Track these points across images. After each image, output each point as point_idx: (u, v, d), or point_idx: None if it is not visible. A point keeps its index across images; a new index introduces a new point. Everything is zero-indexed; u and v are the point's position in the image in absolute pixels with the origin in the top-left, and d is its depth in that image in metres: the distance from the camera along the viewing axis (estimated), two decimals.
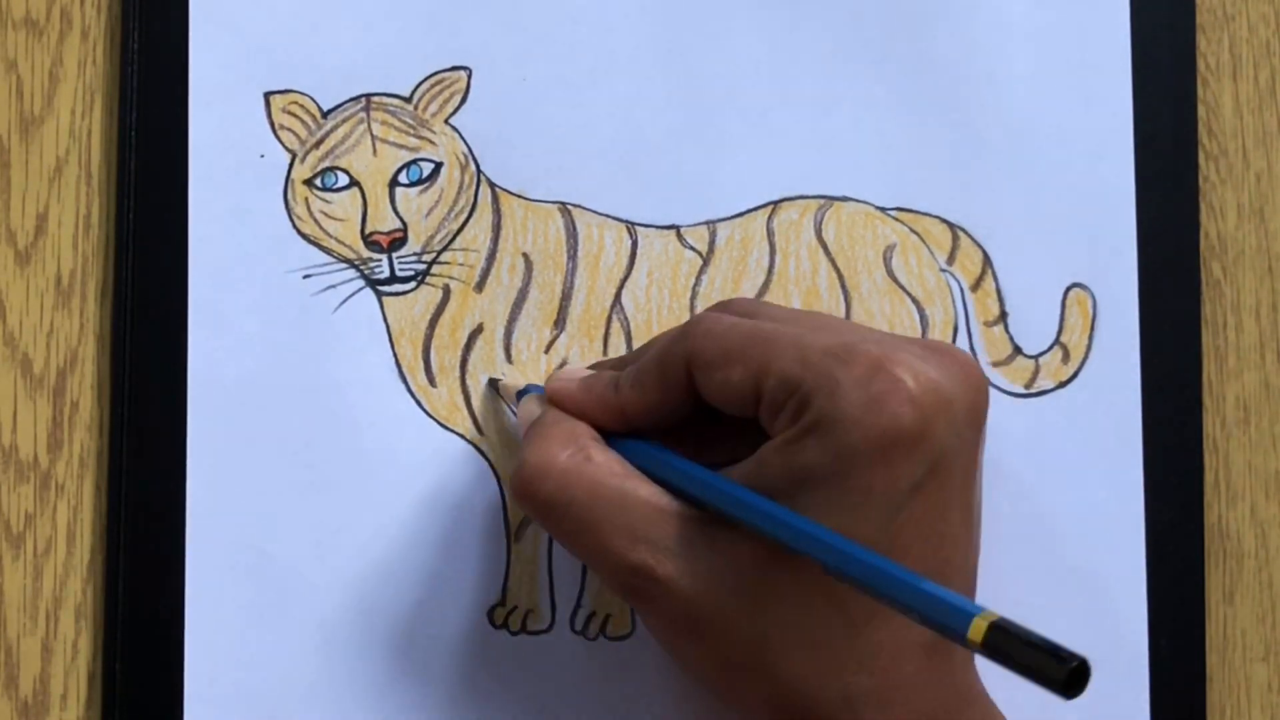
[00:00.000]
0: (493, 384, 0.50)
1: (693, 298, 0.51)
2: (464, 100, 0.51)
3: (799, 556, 0.40)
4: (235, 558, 0.50)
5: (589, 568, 0.47)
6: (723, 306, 0.47)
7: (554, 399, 0.47)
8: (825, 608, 0.41)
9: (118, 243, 0.51)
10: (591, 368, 0.49)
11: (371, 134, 0.51)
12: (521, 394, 0.48)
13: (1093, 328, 0.51)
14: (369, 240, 0.50)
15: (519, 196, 0.51)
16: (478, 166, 0.51)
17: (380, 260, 0.50)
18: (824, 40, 0.52)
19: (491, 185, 0.51)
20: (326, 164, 0.51)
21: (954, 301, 0.51)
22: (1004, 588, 0.50)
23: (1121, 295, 0.51)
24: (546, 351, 0.51)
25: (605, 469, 0.44)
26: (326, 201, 0.50)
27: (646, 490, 0.43)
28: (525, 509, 0.45)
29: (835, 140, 0.51)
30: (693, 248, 0.51)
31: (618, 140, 0.51)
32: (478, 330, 0.51)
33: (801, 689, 0.41)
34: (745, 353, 0.42)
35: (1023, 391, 0.51)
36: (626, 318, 0.51)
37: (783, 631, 0.41)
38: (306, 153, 0.51)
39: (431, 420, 0.50)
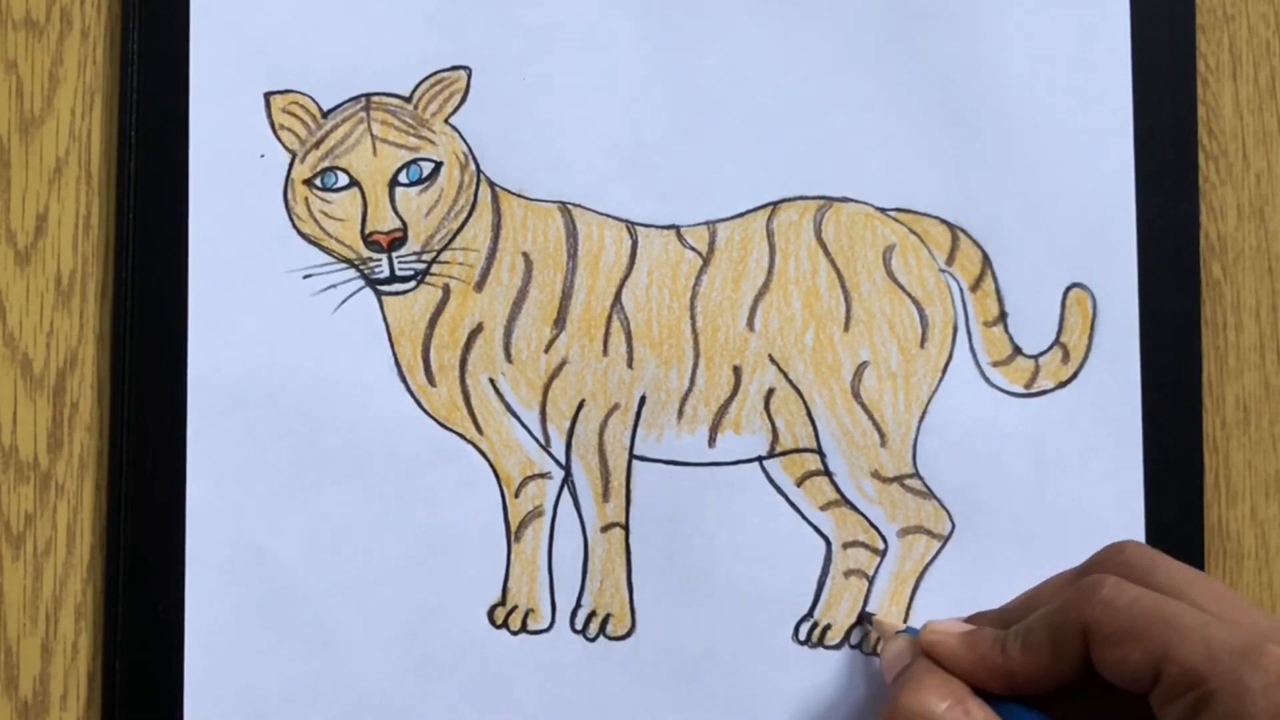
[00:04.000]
0: (866, 618, 0.50)
1: (693, 297, 0.51)
2: (464, 100, 0.51)
3: None
4: (235, 557, 0.50)
5: None
6: (1117, 557, 0.45)
7: (930, 651, 0.45)
8: None
9: (118, 243, 0.51)
10: (969, 620, 0.48)
11: (371, 134, 0.51)
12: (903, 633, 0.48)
13: (1093, 328, 0.51)
14: (369, 240, 0.50)
15: (519, 196, 0.51)
16: (478, 166, 0.51)
17: (380, 260, 0.50)
18: (824, 40, 0.52)
19: (491, 185, 0.51)
20: (326, 164, 0.51)
21: (954, 301, 0.51)
22: (1004, 588, 0.50)
23: (1121, 295, 0.51)
24: (546, 351, 0.51)
25: None
26: (326, 201, 0.50)
27: None
28: None
29: (835, 140, 0.51)
30: (693, 248, 0.51)
31: (618, 140, 0.51)
32: (477, 329, 0.51)
33: None
34: (1147, 633, 0.41)
35: (1022, 391, 0.51)
36: (626, 317, 0.51)
37: None
38: (306, 153, 0.51)
39: (431, 420, 0.50)
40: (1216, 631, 0.40)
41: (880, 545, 0.50)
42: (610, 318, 0.51)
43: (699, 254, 0.51)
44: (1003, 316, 0.51)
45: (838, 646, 0.50)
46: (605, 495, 0.50)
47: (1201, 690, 0.39)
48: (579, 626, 0.50)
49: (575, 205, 0.51)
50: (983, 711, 0.43)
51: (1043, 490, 0.50)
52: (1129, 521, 0.50)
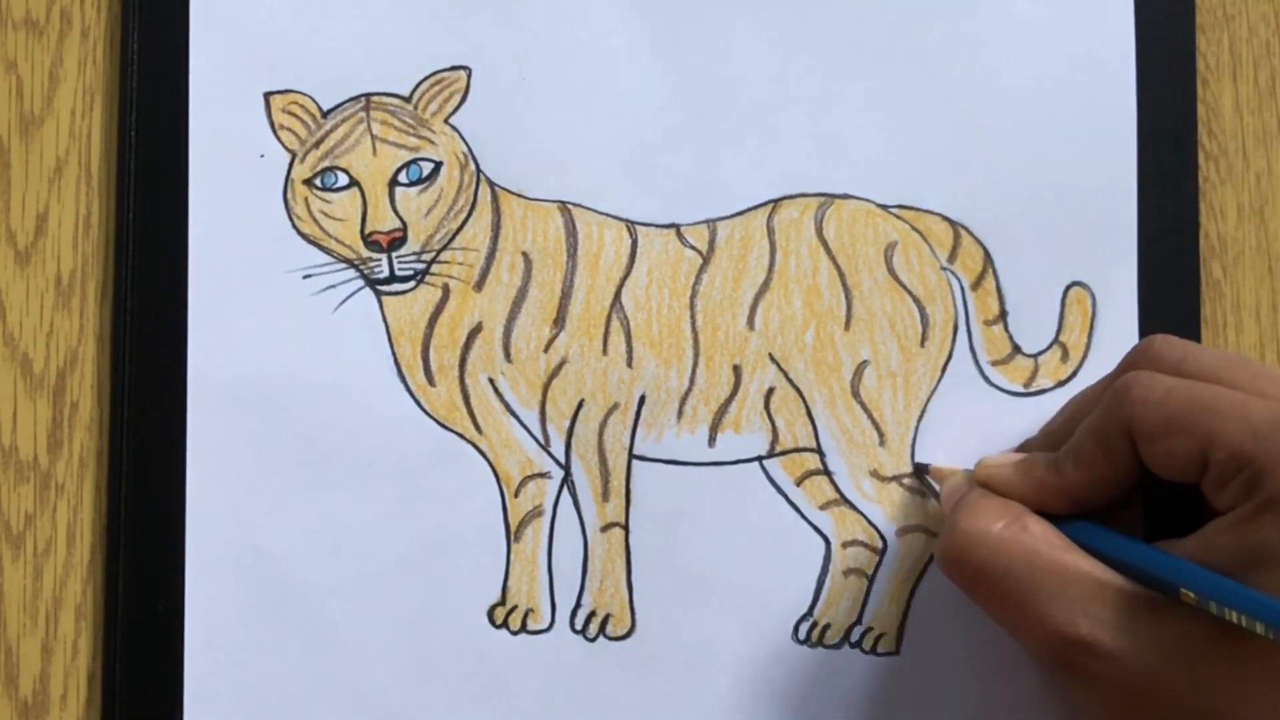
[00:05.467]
0: (922, 468, 0.50)
1: (693, 296, 0.51)
2: (464, 100, 0.51)
3: (1252, 636, 0.39)
4: (235, 557, 0.50)
5: (1017, 638, 0.45)
6: (1146, 353, 0.45)
7: (988, 485, 0.46)
8: (1277, 689, 0.40)
9: (118, 243, 0.51)
10: (1019, 449, 0.48)
11: (371, 134, 0.51)
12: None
13: (1092, 327, 0.51)
14: (369, 240, 0.50)
15: (518, 195, 0.51)
16: (477, 166, 0.51)
17: (380, 260, 0.50)
18: (824, 40, 0.52)
19: (491, 184, 0.51)
20: (326, 164, 0.51)
21: (954, 300, 0.51)
22: None
23: (1121, 295, 0.51)
24: (546, 350, 0.51)
25: (1043, 540, 0.43)
26: (326, 201, 0.50)
27: (1087, 564, 0.43)
28: (954, 576, 0.45)
29: (835, 139, 0.51)
30: (693, 246, 0.51)
31: (618, 140, 0.51)
32: (477, 329, 0.51)
33: None
34: (1188, 422, 0.41)
35: (1022, 390, 0.51)
36: (626, 316, 0.51)
37: (1232, 708, 0.40)
38: (306, 153, 0.51)
39: (431, 420, 0.50)
40: (1257, 409, 0.40)
41: (879, 544, 0.50)
42: (610, 317, 0.51)
43: (699, 253, 0.51)
44: (1003, 315, 0.51)
45: (837, 646, 0.50)
46: (605, 495, 0.50)
47: (1251, 470, 0.40)
48: (579, 626, 0.50)
49: (575, 205, 0.51)
50: (1040, 526, 0.44)
51: None
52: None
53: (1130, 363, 0.46)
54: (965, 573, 0.44)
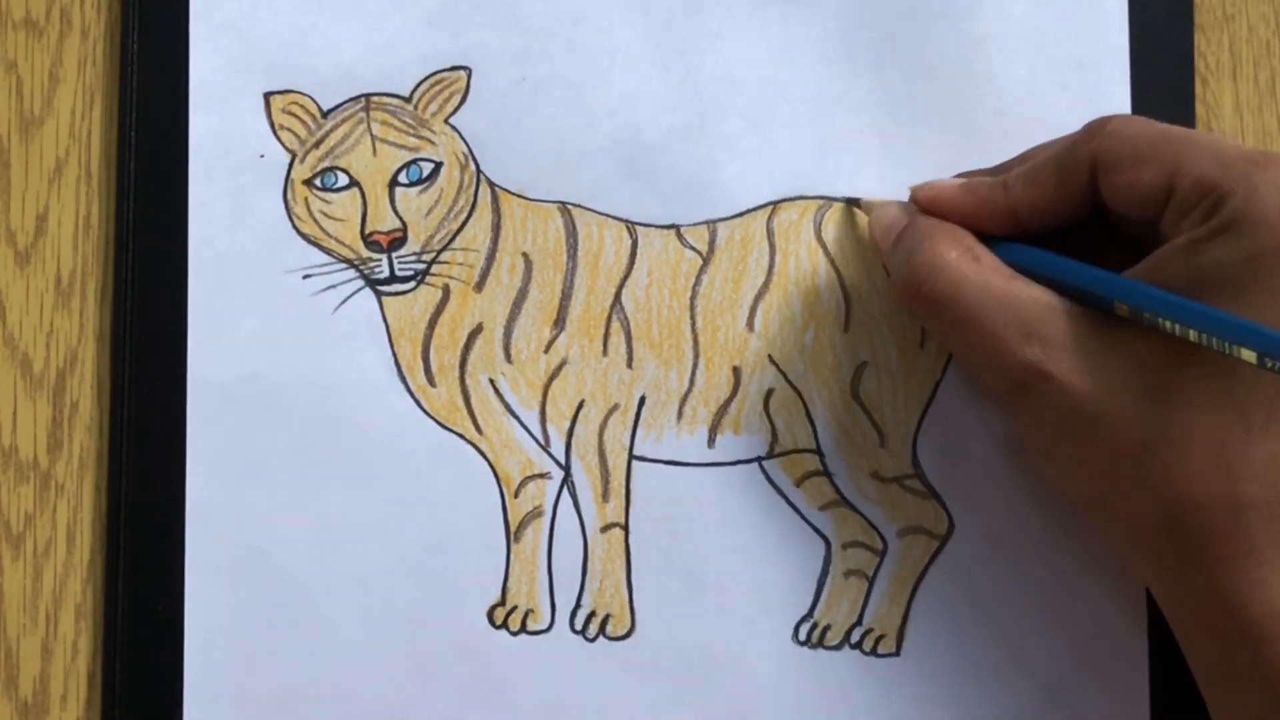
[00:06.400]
0: (853, 202, 0.51)
1: (693, 297, 0.51)
2: (464, 100, 0.51)
3: (1200, 357, 0.40)
4: (235, 557, 0.50)
5: (971, 370, 0.47)
6: (1121, 116, 0.46)
7: (927, 205, 0.47)
8: (1226, 410, 0.41)
9: (118, 243, 0.51)
10: (959, 176, 0.49)
11: (371, 134, 0.51)
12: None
13: None
14: (369, 240, 0.50)
15: (519, 196, 0.51)
16: (477, 166, 0.51)
17: (380, 260, 0.50)
18: (824, 40, 0.52)
19: (491, 185, 0.51)
20: (326, 164, 0.51)
21: None
22: (1004, 588, 0.50)
23: None
24: (546, 351, 0.51)
25: (994, 269, 0.44)
26: (326, 201, 0.50)
27: (1038, 290, 0.44)
28: (915, 308, 0.46)
29: (835, 140, 0.51)
30: (693, 247, 0.51)
31: (618, 140, 0.51)
32: (477, 330, 0.51)
33: (1189, 493, 0.41)
34: (1159, 153, 0.42)
35: None
36: (626, 317, 0.51)
37: (1179, 431, 0.41)
38: (306, 153, 0.51)
39: (431, 420, 0.50)
40: (1226, 144, 0.42)
41: (880, 545, 0.50)
42: (610, 318, 0.51)
43: (699, 254, 0.51)
44: None
45: (838, 647, 0.50)
46: (605, 495, 0.50)
47: (1214, 196, 0.41)
48: (579, 627, 0.50)
49: (575, 205, 0.51)
50: (989, 256, 0.45)
51: (1042, 490, 0.50)
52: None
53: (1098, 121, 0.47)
54: (924, 304, 0.45)
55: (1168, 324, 0.41)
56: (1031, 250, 0.45)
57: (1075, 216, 0.45)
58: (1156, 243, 0.43)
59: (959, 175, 0.49)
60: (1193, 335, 0.40)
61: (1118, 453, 0.42)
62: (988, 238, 0.46)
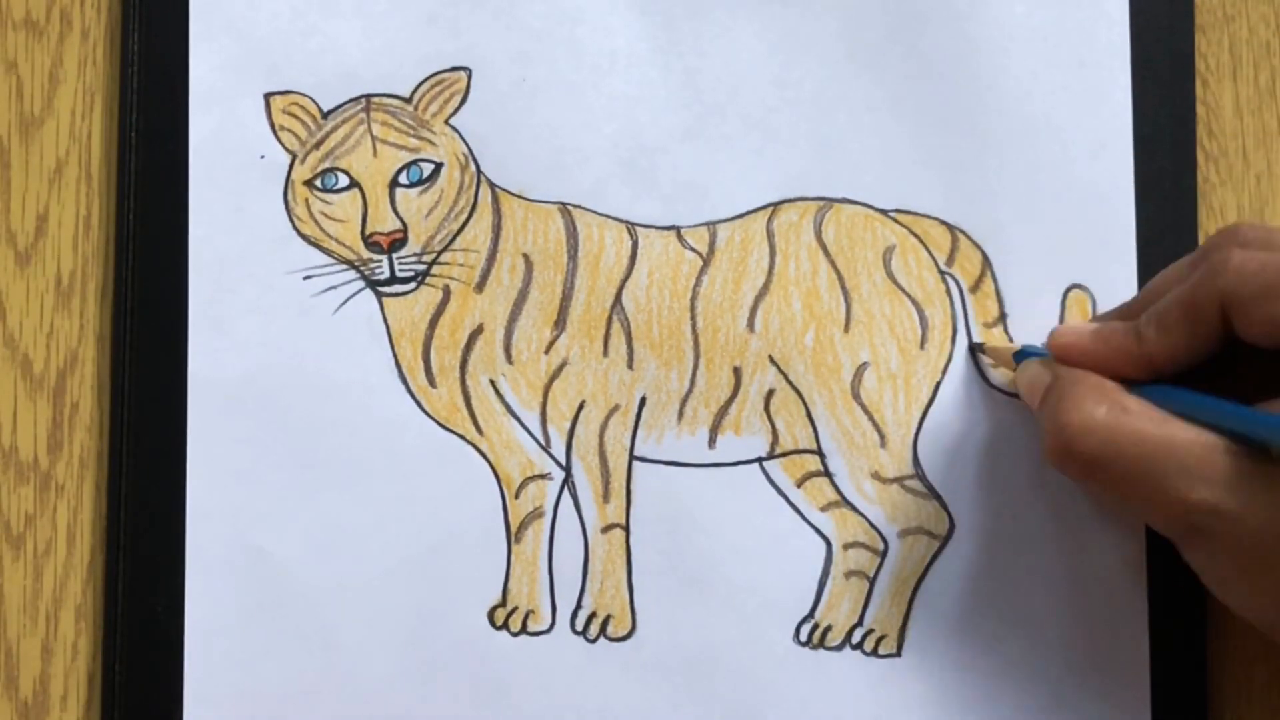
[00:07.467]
0: (977, 348, 0.51)
1: (693, 298, 0.51)
2: (464, 100, 0.51)
3: None
4: (235, 557, 0.50)
5: (1141, 517, 0.46)
6: (1234, 237, 0.46)
7: (1064, 356, 0.47)
8: None
9: (118, 243, 0.51)
10: (1096, 320, 0.49)
11: (371, 135, 0.51)
12: (1019, 356, 0.49)
13: None
14: (369, 241, 0.50)
15: (519, 197, 0.51)
16: (478, 167, 0.51)
17: (380, 261, 0.50)
18: (824, 40, 0.52)
19: (492, 185, 0.51)
20: (327, 165, 0.51)
21: (953, 302, 0.51)
22: (1005, 589, 0.50)
23: (1121, 295, 0.51)
24: (547, 352, 0.51)
25: (1145, 417, 0.44)
26: (327, 202, 0.50)
27: (1193, 433, 0.43)
28: (1068, 469, 0.45)
29: (835, 141, 0.51)
30: (693, 248, 0.51)
31: (618, 141, 0.51)
32: (478, 331, 0.51)
33: None
34: None
35: None
36: (627, 318, 0.51)
37: None
38: (307, 154, 0.51)
39: (431, 420, 0.50)
40: None
41: (880, 546, 0.50)
42: (610, 319, 0.51)
43: (699, 255, 0.51)
44: (1003, 317, 0.51)
45: (838, 648, 0.50)
46: (605, 496, 0.50)
47: None
48: (579, 628, 0.50)
49: (575, 206, 0.51)
50: (1138, 403, 0.44)
51: (1043, 490, 0.50)
52: (1129, 521, 0.50)
53: (1215, 244, 0.46)
54: (1079, 465, 0.44)
55: None
56: (1178, 392, 0.45)
57: (1211, 352, 0.45)
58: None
59: (1094, 319, 0.49)
60: None
61: None
62: (1130, 382, 0.46)
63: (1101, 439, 0.44)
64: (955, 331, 0.51)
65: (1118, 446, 0.43)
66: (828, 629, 0.50)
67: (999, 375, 0.51)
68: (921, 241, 0.51)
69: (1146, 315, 0.46)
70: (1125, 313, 0.49)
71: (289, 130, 0.51)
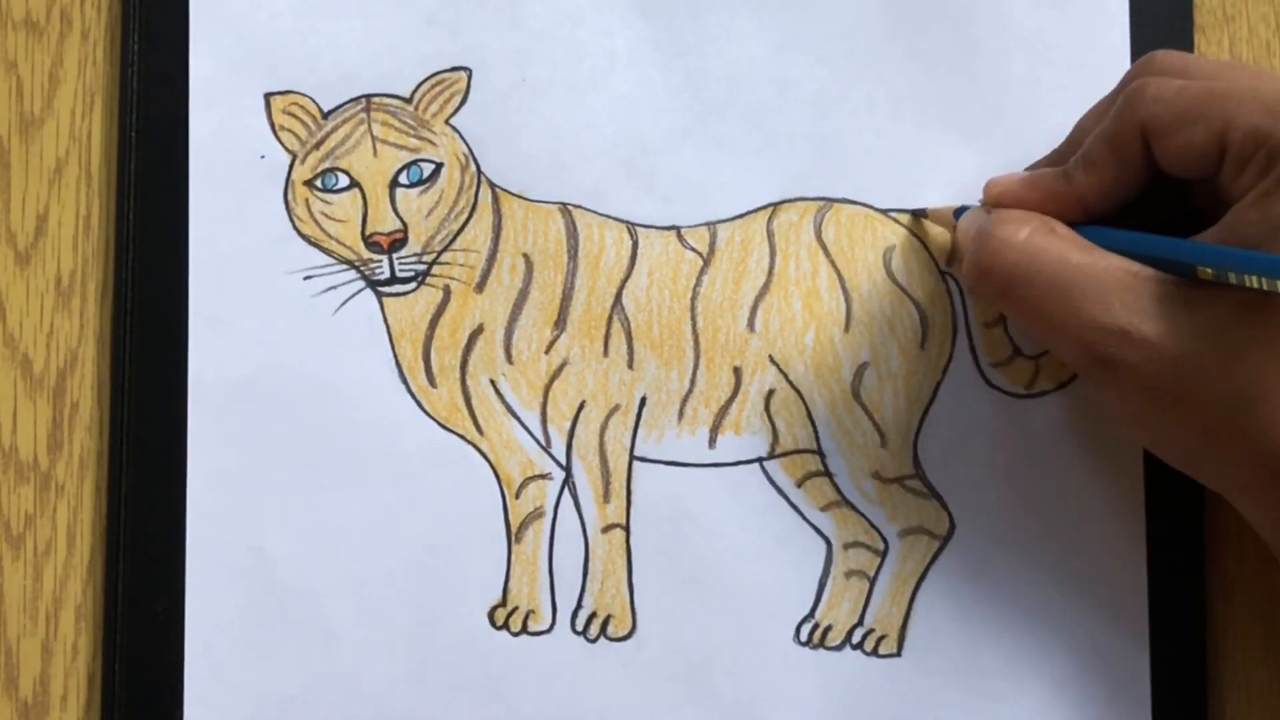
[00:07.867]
0: (919, 212, 0.51)
1: (693, 298, 0.51)
2: (464, 100, 0.51)
3: (1272, 297, 0.40)
4: (235, 558, 0.50)
5: (1050, 342, 0.46)
6: (1149, 66, 0.46)
7: (998, 202, 0.47)
8: None
9: (118, 243, 0.51)
10: (1027, 169, 0.49)
11: (372, 135, 0.51)
12: (958, 213, 0.49)
13: None
14: (369, 241, 0.50)
15: (519, 197, 0.51)
16: (478, 167, 0.51)
17: (381, 261, 0.50)
18: (824, 40, 0.52)
19: (492, 186, 0.51)
20: (327, 165, 0.51)
21: (953, 303, 0.51)
22: (1005, 589, 0.50)
23: None
24: (547, 352, 0.51)
25: (1071, 241, 0.44)
26: (327, 202, 0.50)
27: (1116, 260, 0.44)
28: (985, 285, 0.45)
29: (835, 141, 0.51)
30: (693, 248, 0.51)
31: (618, 141, 0.51)
32: (478, 331, 0.51)
33: None
34: (1204, 112, 0.42)
35: (1023, 392, 0.51)
36: (627, 318, 0.51)
37: (1266, 381, 0.41)
38: (307, 154, 0.51)
39: (431, 420, 0.50)
40: (1268, 89, 0.42)
41: (881, 546, 0.50)
42: (611, 319, 0.51)
43: (699, 255, 0.51)
44: (1003, 317, 0.51)
45: (839, 647, 0.50)
46: (606, 496, 0.50)
47: (1270, 145, 0.41)
48: (580, 627, 0.50)
49: (576, 206, 0.51)
50: (1065, 229, 0.45)
51: (1043, 490, 0.50)
52: (1129, 522, 0.50)
53: (1133, 75, 0.47)
54: (997, 280, 0.45)
55: (1252, 280, 0.41)
56: (1106, 230, 0.45)
57: (1139, 186, 0.45)
58: (1217, 198, 0.44)
59: (1027, 168, 0.49)
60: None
61: (1210, 411, 0.42)
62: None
63: (1022, 253, 0.44)
64: (955, 331, 0.51)
65: (1038, 263, 0.44)
66: (828, 629, 0.50)
67: (999, 376, 0.51)
68: (921, 242, 0.51)
69: (1075, 157, 0.46)
70: (1056, 159, 0.49)
71: (289, 130, 0.51)
